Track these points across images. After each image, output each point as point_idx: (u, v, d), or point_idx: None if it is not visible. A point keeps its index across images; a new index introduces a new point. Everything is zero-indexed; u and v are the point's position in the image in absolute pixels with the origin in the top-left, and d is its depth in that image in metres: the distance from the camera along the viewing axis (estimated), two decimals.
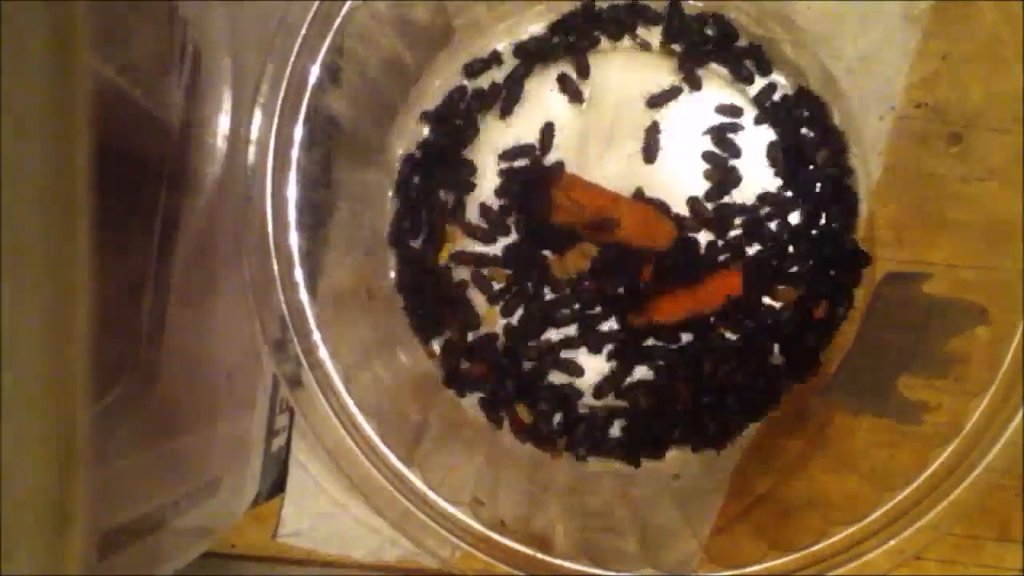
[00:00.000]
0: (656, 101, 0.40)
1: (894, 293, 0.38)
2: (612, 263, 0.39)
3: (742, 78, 0.40)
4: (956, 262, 0.35)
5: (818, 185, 0.40)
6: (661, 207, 0.40)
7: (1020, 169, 0.32)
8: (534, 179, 0.39)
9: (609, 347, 0.40)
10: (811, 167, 0.40)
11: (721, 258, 0.40)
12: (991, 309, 0.32)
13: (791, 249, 0.40)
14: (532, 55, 0.40)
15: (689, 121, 0.40)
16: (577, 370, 0.40)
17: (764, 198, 0.40)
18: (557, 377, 0.40)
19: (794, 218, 0.40)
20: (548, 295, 0.40)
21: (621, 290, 0.39)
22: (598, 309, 0.40)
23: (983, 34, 0.32)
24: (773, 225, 0.40)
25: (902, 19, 0.37)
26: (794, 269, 0.40)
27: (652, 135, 0.40)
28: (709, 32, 0.41)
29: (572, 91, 0.40)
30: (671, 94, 0.40)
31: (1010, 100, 0.32)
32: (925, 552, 0.33)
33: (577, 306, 0.40)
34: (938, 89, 0.37)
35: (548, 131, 0.40)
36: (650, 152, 0.40)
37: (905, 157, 0.39)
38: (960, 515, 0.31)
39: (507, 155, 0.40)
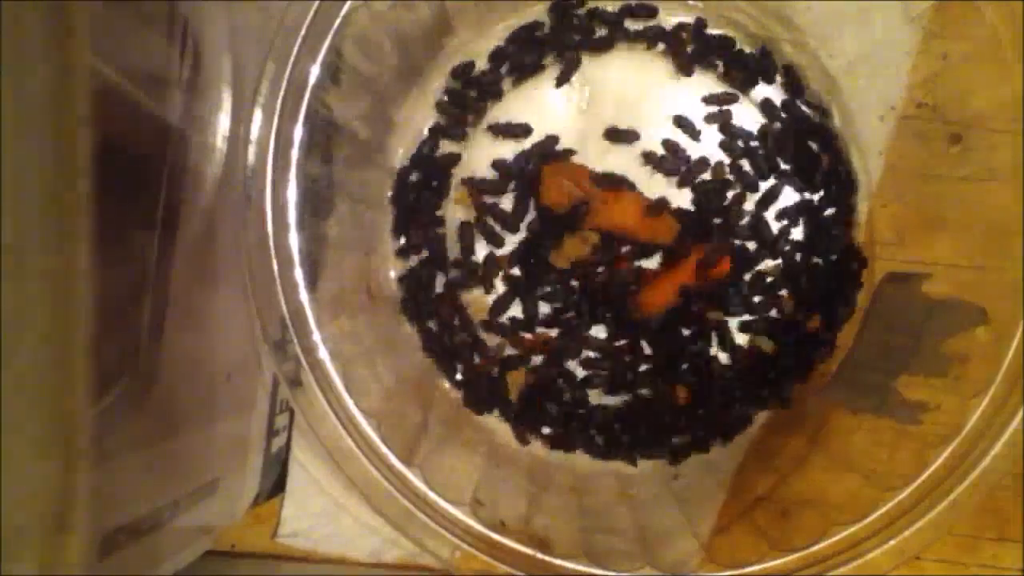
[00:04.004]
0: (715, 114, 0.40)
1: (894, 293, 0.38)
2: (608, 255, 0.39)
3: (744, 82, 0.40)
4: (956, 262, 0.35)
5: (818, 186, 0.40)
6: (662, 203, 0.40)
7: (1020, 169, 0.32)
8: (537, 162, 0.39)
9: (605, 345, 0.40)
10: (812, 167, 0.40)
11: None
12: (991, 309, 0.32)
13: (791, 252, 0.40)
14: (528, 48, 0.40)
15: (687, 120, 0.40)
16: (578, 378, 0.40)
17: (764, 199, 0.40)
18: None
19: (795, 224, 0.40)
20: (545, 289, 0.40)
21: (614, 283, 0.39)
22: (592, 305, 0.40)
23: (983, 34, 0.32)
24: (773, 225, 0.40)
25: (902, 19, 0.37)
26: (798, 276, 0.40)
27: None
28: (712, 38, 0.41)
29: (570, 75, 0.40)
30: (726, 99, 0.40)
31: (1010, 100, 0.32)
32: (925, 552, 0.33)
33: (575, 301, 0.40)
34: (938, 89, 0.37)
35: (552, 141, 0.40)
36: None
37: (905, 157, 0.39)
38: (960, 515, 0.31)
39: (497, 129, 0.40)
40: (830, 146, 0.40)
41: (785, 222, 0.40)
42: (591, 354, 0.40)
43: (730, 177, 0.40)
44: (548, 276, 0.39)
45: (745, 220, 0.40)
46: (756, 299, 0.40)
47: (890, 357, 0.36)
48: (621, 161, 0.40)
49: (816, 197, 0.40)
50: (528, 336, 0.40)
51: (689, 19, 0.40)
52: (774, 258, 0.40)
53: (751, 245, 0.40)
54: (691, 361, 0.40)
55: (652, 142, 0.40)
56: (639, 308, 0.39)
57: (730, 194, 0.40)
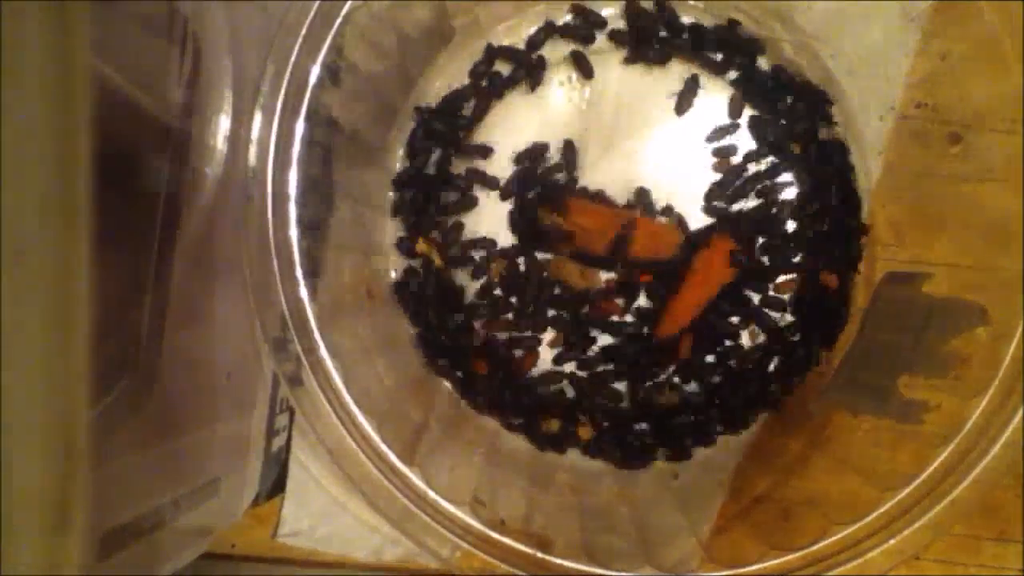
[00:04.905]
0: (683, 104, 0.40)
1: (894, 293, 0.38)
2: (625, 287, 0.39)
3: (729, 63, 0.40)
4: (956, 262, 0.35)
5: (815, 164, 0.40)
6: (663, 213, 0.40)
7: (1020, 169, 0.32)
8: (541, 206, 0.39)
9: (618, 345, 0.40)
10: (805, 148, 0.40)
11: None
12: (991, 309, 0.32)
13: (791, 232, 0.40)
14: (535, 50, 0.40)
15: (687, 120, 0.40)
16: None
17: (763, 190, 0.40)
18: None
19: (794, 204, 0.40)
20: (550, 295, 0.40)
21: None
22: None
23: (983, 34, 0.32)
24: (772, 210, 0.40)
25: (902, 19, 0.37)
26: (796, 256, 0.40)
27: (691, 87, 0.40)
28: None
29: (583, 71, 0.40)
30: (691, 89, 0.40)
31: (1010, 100, 0.32)
32: (925, 552, 0.32)
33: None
34: (938, 89, 0.37)
35: (569, 149, 0.40)
36: (682, 105, 0.40)
37: (905, 157, 0.39)
38: (960, 515, 0.31)
39: (522, 157, 0.40)
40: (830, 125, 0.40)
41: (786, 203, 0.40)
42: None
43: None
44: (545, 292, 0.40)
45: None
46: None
47: (890, 357, 0.36)
48: (621, 161, 0.40)
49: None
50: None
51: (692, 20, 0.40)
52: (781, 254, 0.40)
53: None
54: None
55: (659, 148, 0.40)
56: (665, 329, 0.39)
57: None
